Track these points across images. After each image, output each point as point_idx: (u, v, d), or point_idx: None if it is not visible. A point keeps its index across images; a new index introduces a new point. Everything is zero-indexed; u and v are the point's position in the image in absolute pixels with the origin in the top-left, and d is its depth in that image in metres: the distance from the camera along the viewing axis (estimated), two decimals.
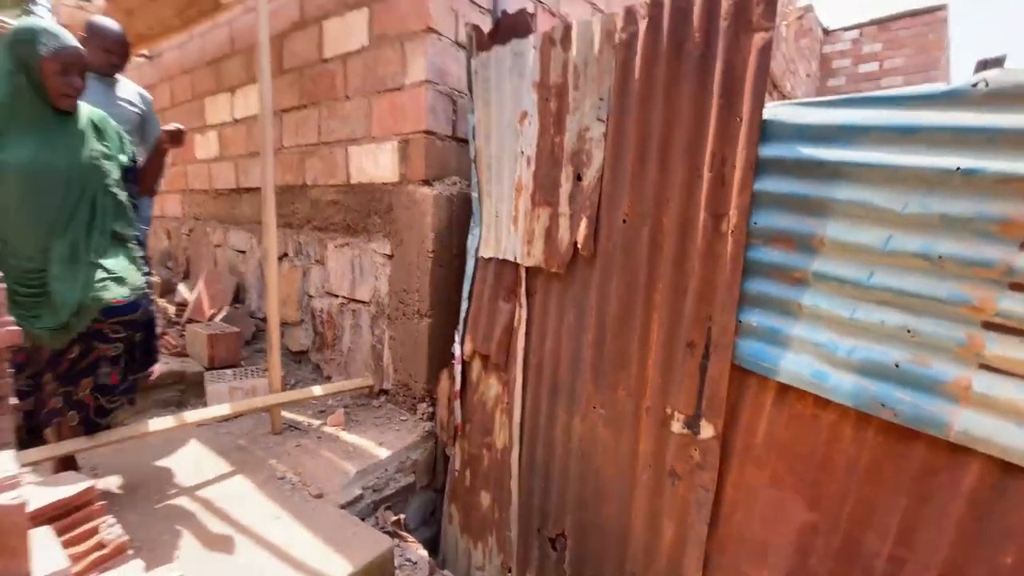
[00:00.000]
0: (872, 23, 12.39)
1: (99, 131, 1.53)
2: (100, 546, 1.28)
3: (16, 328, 1.19)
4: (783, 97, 8.84)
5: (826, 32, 12.85)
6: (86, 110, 1.53)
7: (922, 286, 1.03)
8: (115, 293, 1.48)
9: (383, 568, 1.68)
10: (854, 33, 12.48)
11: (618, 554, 1.56)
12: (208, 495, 1.86)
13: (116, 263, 1.54)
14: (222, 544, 1.60)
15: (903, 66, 11.85)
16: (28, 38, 1.35)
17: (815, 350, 1.18)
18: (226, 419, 2.38)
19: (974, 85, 0.96)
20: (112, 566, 1.25)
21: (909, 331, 1.05)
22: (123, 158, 1.62)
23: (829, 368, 1.15)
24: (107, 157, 1.53)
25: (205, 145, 3.95)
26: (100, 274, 1.48)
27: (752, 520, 1.32)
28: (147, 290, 1.66)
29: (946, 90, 1.00)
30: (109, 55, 2.24)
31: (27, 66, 1.36)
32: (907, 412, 1.05)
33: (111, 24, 2.28)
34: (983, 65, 0.95)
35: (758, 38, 1.21)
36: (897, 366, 1.06)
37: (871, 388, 1.09)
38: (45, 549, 1.05)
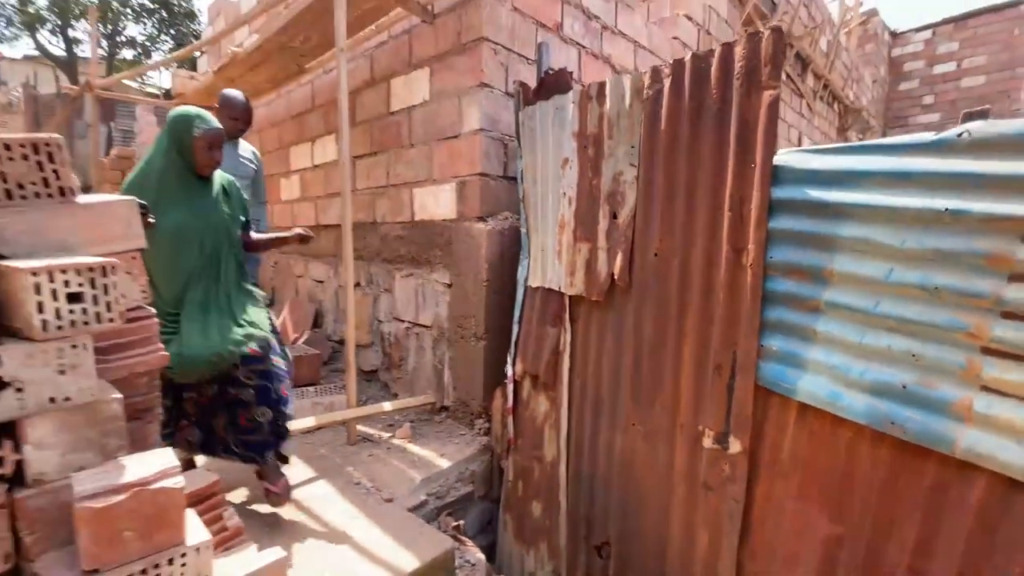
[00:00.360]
0: (946, 22, 11.72)
1: (227, 194, 1.90)
2: (223, 529, 1.59)
3: (164, 353, 1.55)
4: (845, 108, 8.54)
5: (894, 35, 12.26)
6: (218, 175, 1.91)
7: (923, 314, 1.13)
8: (250, 344, 1.75)
9: (445, 566, 1.90)
10: (926, 34, 11.86)
11: (658, 561, 1.69)
12: (297, 496, 2.16)
13: (248, 315, 1.83)
14: (312, 537, 1.89)
15: (985, 64, 11.08)
16: (185, 122, 1.74)
17: (830, 372, 1.29)
18: (309, 431, 2.72)
19: (959, 135, 1.07)
20: (232, 547, 1.56)
21: (914, 355, 1.15)
22: (242, 218, 1.98)
23: (843, 389, 1.26)
24: (232, 218, 1.89)
25: (288, 188, 4.48)
26: (235, 327, 1.75)
27: (781, 531, 1.42)
28: (274, 338, 1.92)
29: (935, 139, 1.11)
30: (236, 122, 2.70)
31: (181, 143, 1.74)
32: (915, 430, 1.14)
33: (239, 96, 2.74)
34: (968, 116, 1.07)
35: (767, 95, 1.37)
36: (904, 387, 1.16)
37: (882, 407, 1.19)
38: (192, 525, 1.35)
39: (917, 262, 1.13)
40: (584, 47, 3.18)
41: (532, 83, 2.78)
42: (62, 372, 1.23)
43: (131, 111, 10.11)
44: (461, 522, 2.30)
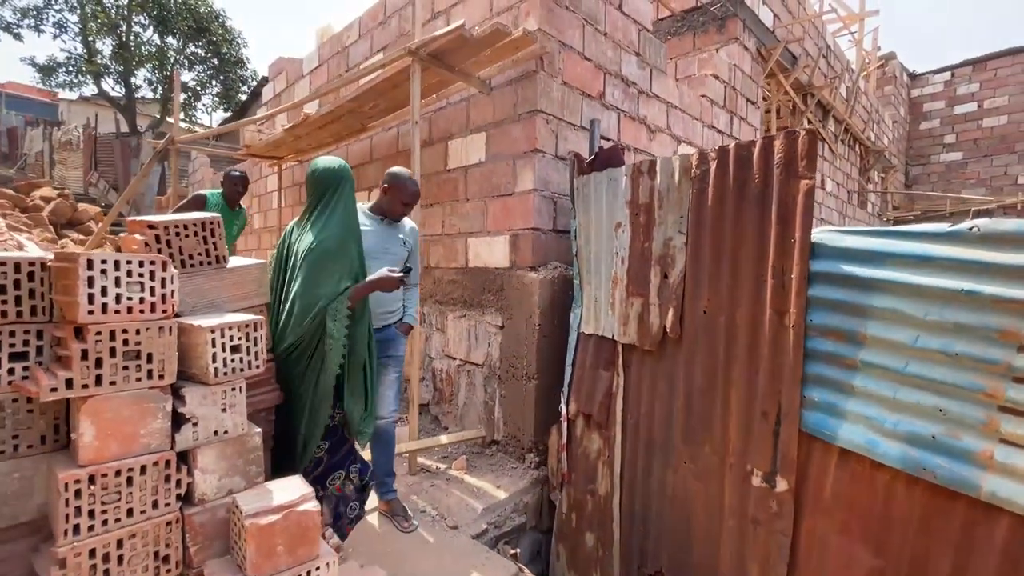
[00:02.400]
0: (965, 64, 11.97)
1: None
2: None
3: (279, 392, 1.83)
4: (866, 149, 8.74)
5: (912, 76, 12.52)
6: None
7: (946, 376, 1.34)
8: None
9: None
10: (945, 75, 12.11)
11: None
12: (372, 520, 2.39)
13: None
14: (394, 558, 2.10)
15: (1007, 105, 11.24)
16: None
17: (867, 422, 1.49)
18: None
19: (970, 229, 1.30)
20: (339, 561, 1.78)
21: (941, 410, 1.35)
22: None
23: (879, 437, 1.46)
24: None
25: None
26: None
27: (826, 564, 1.59)
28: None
29: (950, 231, 1.35)
30: (406, 208, 2.26)
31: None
32: (945, 475, 1.34)
33: (411, 181, 2.27)
34: (976, 214, 1.30)
35: (803, 184, 1.62)
36: (934, 437, 1.36)
37: (914, 454, 1.39)
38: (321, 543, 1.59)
39: (939, 331, 1.35)
40: (623, 111, 3.51)
41: (579, 148, 3.11)
42: (224, 410, 1.51)
43: (186, 152, 10.84)
44: (518, 550, 2.48)
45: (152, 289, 1.36)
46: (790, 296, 1.65)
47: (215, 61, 13.84)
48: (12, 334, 1.29)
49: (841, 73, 7.37)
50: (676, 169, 2.01)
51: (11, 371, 1.29)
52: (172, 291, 1.40)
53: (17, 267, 1.29)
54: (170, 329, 1.39)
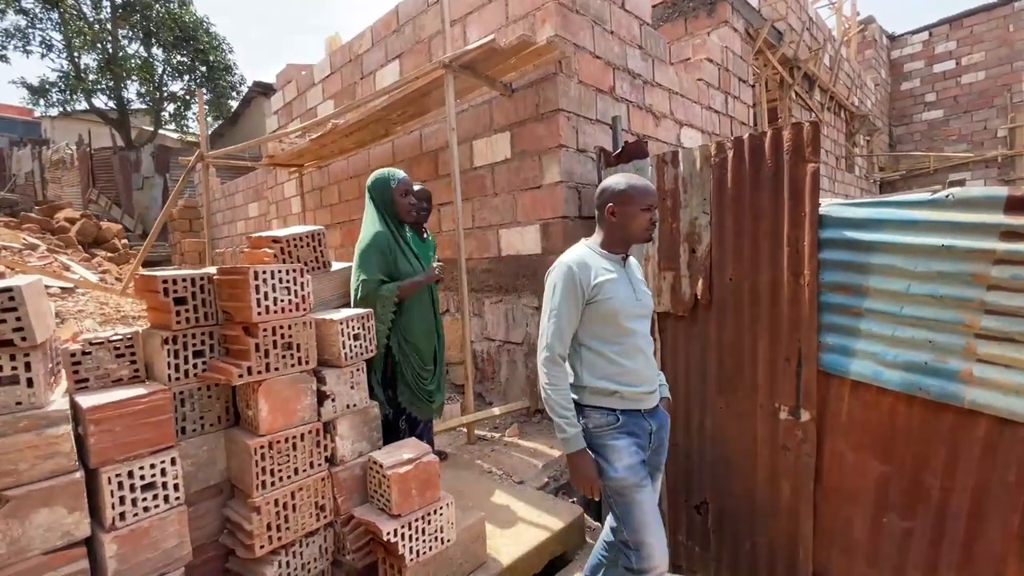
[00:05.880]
0: (942, 23, 12.26)
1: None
2: None
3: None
4: (851, 115, 9.07)
5: (892, 38, 12.81)
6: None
7: (934, 314, 1.69)
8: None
9: (579, 528, 2.46)
10: (923, 35, 12.40)
11: (749, 508, 2.24)
12: (450, 481, 2.74)
13: None
14: (479, 505, 2.46)
15: (984, 60, 11.59)
16: (382, 181, 2.39)
17: (873, 357, 1.85)
18: (438, 433, 3.30)
19: (947, 197, 1.65)
20: None
21: (930, 341, 1.71)
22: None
23: (883, 368, 1.82)
24: None
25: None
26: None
27: (844, 475, 1.97)
28: None
29: (931, 199, 1.69)
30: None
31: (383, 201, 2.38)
32: (936, 391, 1.70)
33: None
34: (951, 184, 1.64)
35: (810, 167, 1.95)
36: (926, 363, 1.72)
37: (911, 378, 1.75)
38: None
39: (926, 279, 1.70)
40: (631, 102, 3.81)
41: (596, 140, 3.42)
42: (352, 387, 1.85)
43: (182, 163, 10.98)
44: (575, 499, 2.85)
45: (295, 292, 1.68)
46: (804, 260, 1.99)
47: (203, 69, 13.87)
48: (194, 336, 1.61)
49: (824, 43, 7.66)
50: (697, 158, 2.34)
51: (194, 366, 1.61)
52: (308, 292, 1.72)
53: (194, 281, 1.60)
54: (310, 323, 1.72)
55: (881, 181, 11.01)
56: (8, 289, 1.19)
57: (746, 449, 2.25)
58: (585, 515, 2.71)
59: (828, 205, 1.96)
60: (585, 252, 1.58)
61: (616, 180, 1.59)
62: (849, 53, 9.83)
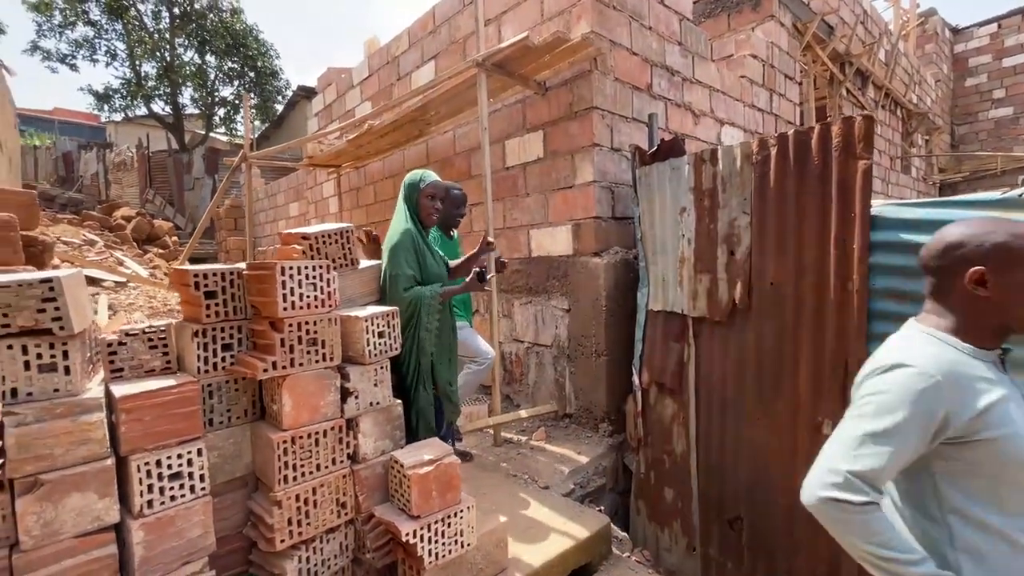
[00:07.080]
0: (1013, 13, 11.40)
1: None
2: None
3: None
4: (908, 113, 8.55)
5: (955, 31, 12.02)
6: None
7: None
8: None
9: (605, 537, 2.38)
10: (991, 27, 11.60)
11: (787, 527, 2.10)
12: (474, 484, 2.71)
13: None
14: (502, 508, 2.42)
15: None
16: (412, 183, 2.36)
17: None
18: (465, 433, 3.29)
19: (1020, 196, 1.49)
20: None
21: None
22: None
23: None
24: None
25: None
26: None
27: None
28: None
29: (1001, 198, 1.53)
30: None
31: (410, 201, 2.35)
32: None
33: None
34: (1022, 183, 1.48)
35: (861, 164, 1.82)
36: None
37: None
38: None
39: None
40: (669, 99, 3.69)
41: (631, 138, 3.33)
42: (375, 385, 1.84)
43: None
44: (602, 508, 2.77)
45: (321, 288, 1.69)
46: (853, 264, 1.85)
47: (251, 75, 14.48)
48: (223, 329, 1.63)
49: (880, 37, 7.25)
50: (738, 156, 2.23)
51: (223, 359, 1.64)
52: (334, 289, 1.73)
53: (224, 276, 1.63)
54: (335, 320, 1.72)
55: (941, 183, 10.33)
56: (48, 280, 1.24)
57: (784, 464, 2.12)
58: (612, 525, 2.62)
59: (882, 205, 1.82)
60: (948, 353, 0.94)
61: (984, 228, 0.94)
62: (907, 47, 9.27)
